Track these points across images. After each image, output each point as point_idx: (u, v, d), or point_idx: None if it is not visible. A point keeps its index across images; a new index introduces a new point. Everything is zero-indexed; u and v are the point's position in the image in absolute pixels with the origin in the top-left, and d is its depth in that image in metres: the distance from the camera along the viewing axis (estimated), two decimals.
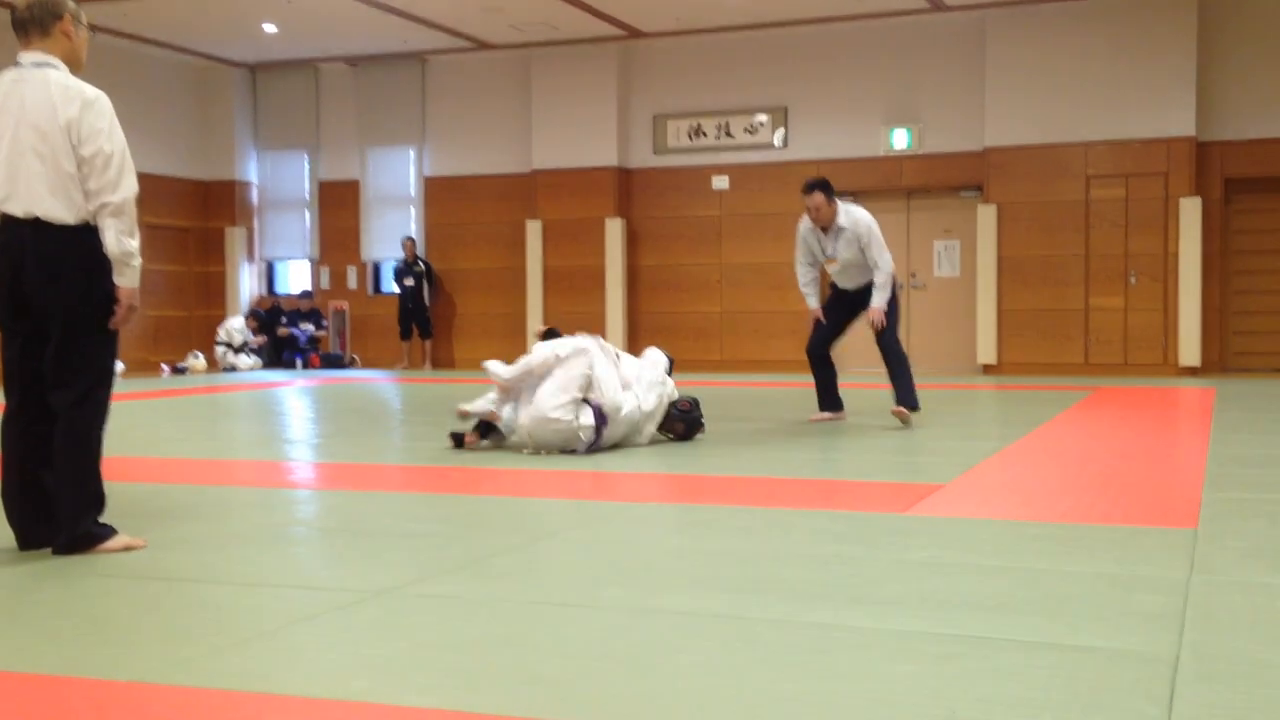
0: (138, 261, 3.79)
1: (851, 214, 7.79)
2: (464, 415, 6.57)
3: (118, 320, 3.80)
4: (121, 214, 3.72)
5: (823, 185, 7.78)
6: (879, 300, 7.68)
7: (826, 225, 7.79)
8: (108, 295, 3.77)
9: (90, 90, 3.77)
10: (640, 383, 6.63)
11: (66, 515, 3.74)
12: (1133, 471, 5.60)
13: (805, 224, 7.92)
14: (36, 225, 3.70)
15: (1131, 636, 2.72)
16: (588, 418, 6.28)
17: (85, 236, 3.73)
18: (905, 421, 7.53)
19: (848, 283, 7.97)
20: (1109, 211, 13.79)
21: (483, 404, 6.58)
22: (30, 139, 3.71)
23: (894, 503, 4.66)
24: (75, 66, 3.89)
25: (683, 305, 15.52)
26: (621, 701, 2.33)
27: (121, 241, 3.72)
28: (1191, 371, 13.43)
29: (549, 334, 6.97)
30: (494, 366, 6.60)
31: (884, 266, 7.70)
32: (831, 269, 7.97)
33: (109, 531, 3.83)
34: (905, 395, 7.59)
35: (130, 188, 3.76)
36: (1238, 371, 13.70)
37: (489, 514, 4.65)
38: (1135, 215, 13.71)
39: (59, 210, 3.71)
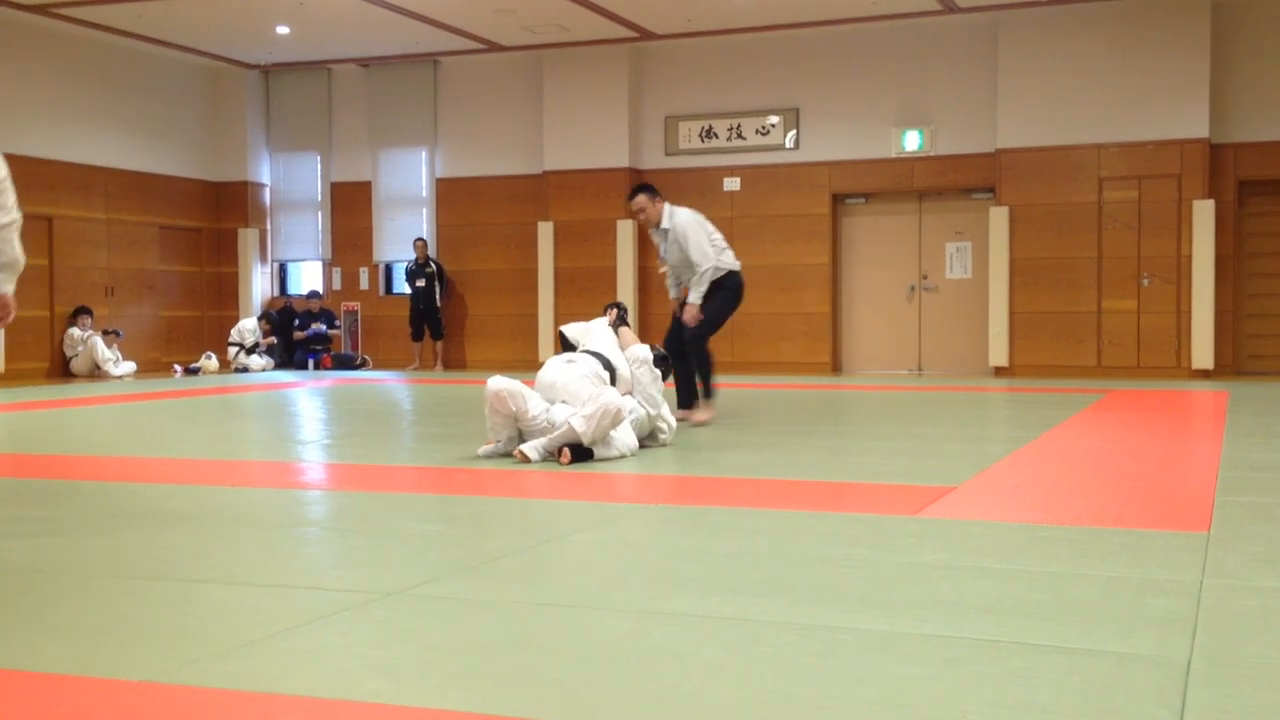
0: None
1: (675, 216, 7.78)
2: (524, 459, 5.98)
3: None
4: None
5: (644, 188, 7.94)
6: (694, 296, 7.70)
7: (655, 226, 7.82)
8: None
9: None
10: (639, 387, 6.59)
11: None
12: (1145, 475, 5.58)
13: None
14: None
15: (1143, 640, 2.71)
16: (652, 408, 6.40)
17: None
18: (700, 423, 7.61)
19: (675, 290, 8.01)
20: (1122, 214, 13.75)
21: (533, 445, 6.05)
22: None
23: (905, 505, 4.65)
24: None
25: None
26: (630, 703, 2.33)
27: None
28: (1205, 374, 13.38)
29: (615, 307, 6.96)
30: (533, 448, 6.02)
31: (698, 263, 7.65)
32: (663, 270, 8.02)
33: None
34: (705, 391, 7.71)
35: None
36: (1251, 374, 13.65)
37: (498, 515, 4.66)
38: (1148, 217, 13.66)
39: None
